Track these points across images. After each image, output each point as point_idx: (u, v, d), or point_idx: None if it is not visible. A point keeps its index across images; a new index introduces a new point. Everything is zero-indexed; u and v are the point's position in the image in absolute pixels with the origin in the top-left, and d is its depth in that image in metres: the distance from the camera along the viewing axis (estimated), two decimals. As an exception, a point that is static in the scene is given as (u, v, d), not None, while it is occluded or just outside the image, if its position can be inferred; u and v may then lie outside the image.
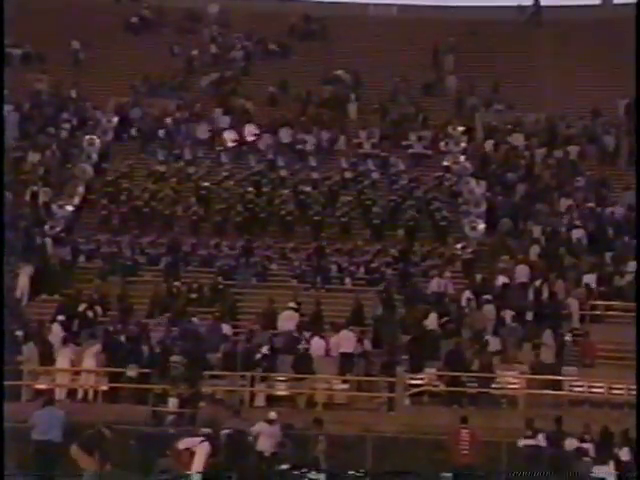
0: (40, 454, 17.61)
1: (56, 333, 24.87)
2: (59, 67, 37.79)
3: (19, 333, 24.62)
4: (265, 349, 24.36)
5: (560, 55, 38.70)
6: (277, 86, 37.52)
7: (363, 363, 24.68)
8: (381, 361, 24.55)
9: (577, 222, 30.47)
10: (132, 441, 19.75)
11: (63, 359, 24.06)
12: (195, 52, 39.16)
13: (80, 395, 23.94)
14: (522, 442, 20.62)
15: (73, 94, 36.33)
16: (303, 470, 20.21)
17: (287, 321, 25.59)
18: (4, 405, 21.05)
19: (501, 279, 27.78)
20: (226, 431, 19.45)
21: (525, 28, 40.71)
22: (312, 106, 36.68)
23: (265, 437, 20.41)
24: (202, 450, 14.32)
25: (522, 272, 27.91)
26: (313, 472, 20.15)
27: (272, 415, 20.78)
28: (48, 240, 29.56)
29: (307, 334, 25.14)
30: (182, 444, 14.59)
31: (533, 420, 21.09)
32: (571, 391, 23.88)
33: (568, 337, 25.05)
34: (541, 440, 20.41)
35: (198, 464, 14.29)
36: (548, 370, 24.19)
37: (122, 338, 24.69)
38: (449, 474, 19.73)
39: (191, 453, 14.56)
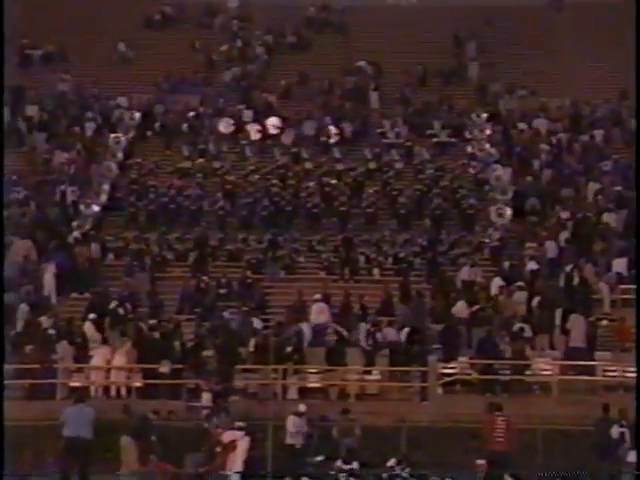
0: (70, 451, 17.73)
1: (89, 331, 24.99)
2: (81, 66, 37.92)
3: (52, 331, 24.79)
4: (296, 341, 24.37)
5: (582, 39, 38.44)
6: (299, 79, 37.50)
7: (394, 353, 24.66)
8: (412, 351, 24.49)
9: (605, 206, 30.29)
10: (170, 436, 19.90)
11: (98, 357, 24.20)
12: (216, 47, 39.19)
13: (113, 392, 24.03)
14: None
15: (96, 93, 36.50)
16: (337, 462, 20.26)
17: (319, 314, 25.54)
18: (36, 403, 21.34)
19: (530, 265, 27.69)
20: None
21: (547, 12, 40.46)
22: (334, 97, 36.67)
23: (293, 430, 20.45)
24: (243, 443, 14.43)
25: (551, 247, 27.85)
26: (348, 464, 20.18)
27: (301, 408, 20.85)
28: (75, 238, 29.72)
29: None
30: (226, 437, 14.69)
31: (500, 405, 20.63)
32: (605, 376, 23.73)
33: (604, 322, 24.86)
34: None
35: (239, 458, 14.40)
36: (580, 356, 24.07)
37: (154, 334, 24.76)
38: (483, 461, 19.68)
39: (234, 446, 14.67)
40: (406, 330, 24.59)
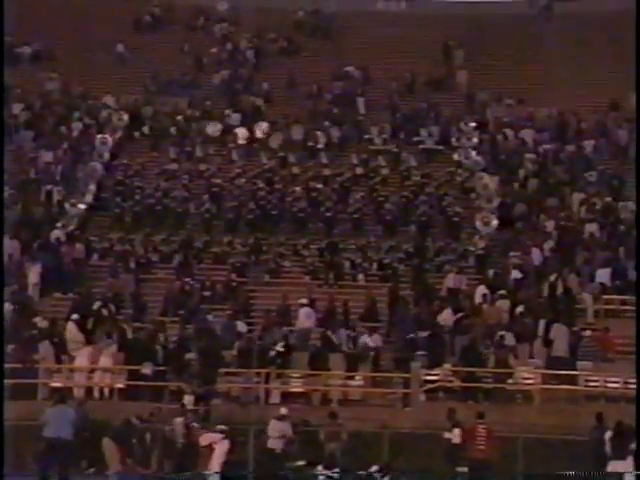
0: (50, 451, 17.69)
1: (71, 331, 24.89)
2: (69, 65, 37.82)
3: (34, 331, 24.67)
4: (280, 346, 24.34)
5: (571, 49, 38.60)
6: (287, 83, 37.52)
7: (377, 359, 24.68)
8: (395, 357, 24.52)
9: (590, 216, 30.41)
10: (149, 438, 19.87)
11: (82, 357, 24.10)
12: (205, 50, 39.17)
13: (96, 394, 23.93)
14: (446, 435, 20.18)
15: (84, 93, 36.41)
16: (318, 467, 20.26)
17: (307, 318, 25.49)
18: (18, 403, 21.25)
19: (514, 274, 27.76)
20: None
21: (536, 22, 40.61)
22: (323, 102, 36.70)
23: (275, 434, 20.44)
24: (222, 447, 14.40)
25: (536, 256, 27.98)
26: (328, 469, 20.20)
27: (283, 411, 20.83)
28: (60, 238, 29.61)
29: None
30: (204, 440, 14.66)
31: (455, 411, 20.53)
32: (587, 386, 23.81)
33: (587, 332, 24.92)
34: (456, 435, 19.93)
35: (217, 460, 14.39)
36: (563, 365, 24.12)
37: (137, 336, 24.68)
38: (465, 469, 19.72)
39: (212, 449, 14.64)
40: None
